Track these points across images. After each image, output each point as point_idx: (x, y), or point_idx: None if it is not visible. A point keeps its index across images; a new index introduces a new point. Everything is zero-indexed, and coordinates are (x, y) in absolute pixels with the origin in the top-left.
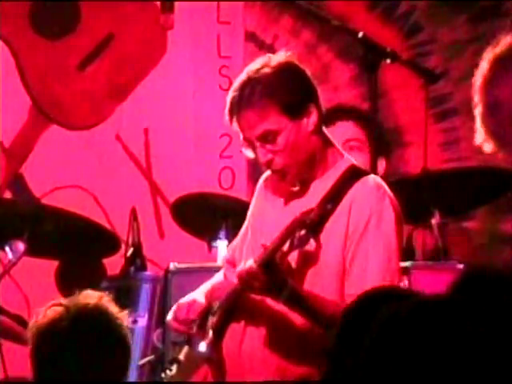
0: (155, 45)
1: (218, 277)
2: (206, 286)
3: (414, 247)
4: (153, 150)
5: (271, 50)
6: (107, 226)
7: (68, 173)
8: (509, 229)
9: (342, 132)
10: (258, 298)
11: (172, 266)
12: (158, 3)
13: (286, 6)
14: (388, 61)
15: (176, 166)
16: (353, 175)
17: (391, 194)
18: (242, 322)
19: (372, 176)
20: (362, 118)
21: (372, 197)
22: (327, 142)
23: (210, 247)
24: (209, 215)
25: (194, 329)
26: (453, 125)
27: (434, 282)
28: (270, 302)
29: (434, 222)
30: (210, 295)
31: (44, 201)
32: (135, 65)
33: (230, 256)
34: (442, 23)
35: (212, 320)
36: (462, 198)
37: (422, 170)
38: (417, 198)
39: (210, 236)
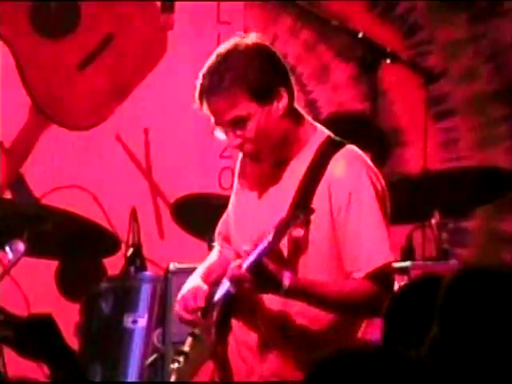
0: (155, 45)
1: (212, 256)
2: (201, 270)
3: (414, 247)
4: (153, 150)
5: None
6: (107, 226)
7: (68, 173)
8: (509, 229)
9: None
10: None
11: (172, 266)
12: (158, 3)
13: (285, 5)
14: (388, 61)
15: (176, 166)
16: (327, 150)
17: (368, 164)
18: (242, 317)
19: (348, 148)
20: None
21: (349, 175)
22: (299, 121)
23: (210, 247)
24: (209, 215)
25: (199, 317)
26: (452, 124)
27: None
28: (267, 299)
29: (433, 221)
30: (208, 278)
31: (44, 201)
32: (135, 65)
33: (224, 232)
34: (441, 23)
35: (213, 316)
36: (462, 198)
37: (422, 169)
38: (417, 197)
39: (209, 236)
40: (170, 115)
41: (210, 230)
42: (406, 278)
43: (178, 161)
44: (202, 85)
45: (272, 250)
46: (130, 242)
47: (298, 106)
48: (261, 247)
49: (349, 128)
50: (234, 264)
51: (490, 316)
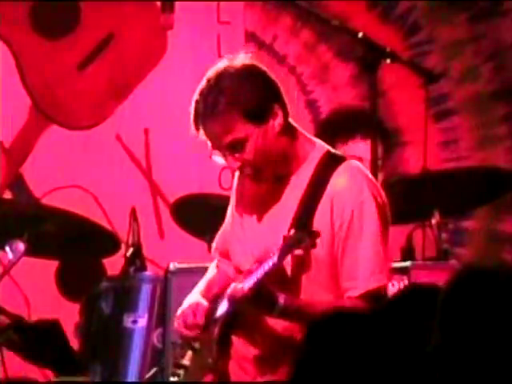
0: (155, 45)
1: (211, 271)
2: (201, 286)
3: (414, 247)
4: (153, 150)
5: (271, 49)
6: (107, 225)
7: (68, 173)
8: (509, 229)
9: (355, 149)
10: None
11: (172, 266)
12: (158, 3)
13: (285, 5)
14: (388, 61)
15: (176, 166)
16: (328, 165)
17: (369, 178)
18: (243, 333)
19: (348, 163)
20: (380, 137)
21: (351, 190)
22: (296, 136)
23: (210, 247)
24: (209, 215)
25: (198, 333)
26: (452, 124)
27: (433, 281)
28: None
29: (433, 221)
30: (207, 293)
31: (44, 201)
32: (135, 65)
33: (221, 247)
34: (441, 23)
35: (214, 331)
36: (462, 198)
37: (421, 169)
38: (417, 197)
39: (209, 236)
40: (170, 115)
41: (209, 230)
42: (405, 278)
43: (178, 161)
44: (195, 111)
45: (274, 270)
46: (130, 242)
47: (294, 122)
48: (265, 267)
49: (350, 121)
50: (235, 285)
51: (492, 317)
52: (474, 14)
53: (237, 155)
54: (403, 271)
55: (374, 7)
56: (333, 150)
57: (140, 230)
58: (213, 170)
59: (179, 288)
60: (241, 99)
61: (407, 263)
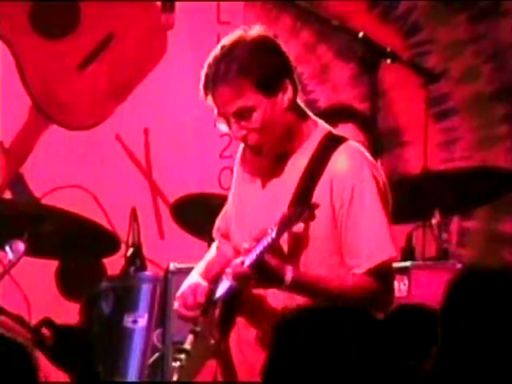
0: (155, 45)
1: (211, 252)
2: (200, 267)
3: (414, 247)
4: (153, 150)
5: None
6: (107, 226)
7: (68, 173)
8: (509, 229)
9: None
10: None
11: (172, 266)
12: (158, 3)
13: (285, 5)
14: (388, 61)
15: (176, 166)
16: (329, 145)
17: (369, 158)
18: (245, 314)
19: (348, 144)
20: (363, 121)
21: (351, 169)
22: (302, 115)
23: (210, 247)
24: (209, 215)
25: (199, 315)
26: (452, 124)
27: (433, 281)
28: (269, 295)
29: (434, 221)
30: (207, 274)
31: (44, 201)
32: (135, 65)
33: (223, 227)
34: (441, 23)
35: (215, 313)
36: (462, 198)
37: (422, 169)
38: (417, 197)
39: (209, 236)
40: (170, 115)
41: (209, 230)
42: (405, 277)
43: (178, 161)
44: (207, 75)
45: (274, 246)
46: (130, 242)
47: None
48: (264, 243)
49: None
50: (236, 261)
51: (494, 319)
52: (473, 14)
53: (243, 123)
54: (403, 271)
55: (374, 7)
56: (334, 131)
57: (140, 229)
58: (213, 170)
59: (179, 288)
60: (253, 68)
61: (407, 263)
